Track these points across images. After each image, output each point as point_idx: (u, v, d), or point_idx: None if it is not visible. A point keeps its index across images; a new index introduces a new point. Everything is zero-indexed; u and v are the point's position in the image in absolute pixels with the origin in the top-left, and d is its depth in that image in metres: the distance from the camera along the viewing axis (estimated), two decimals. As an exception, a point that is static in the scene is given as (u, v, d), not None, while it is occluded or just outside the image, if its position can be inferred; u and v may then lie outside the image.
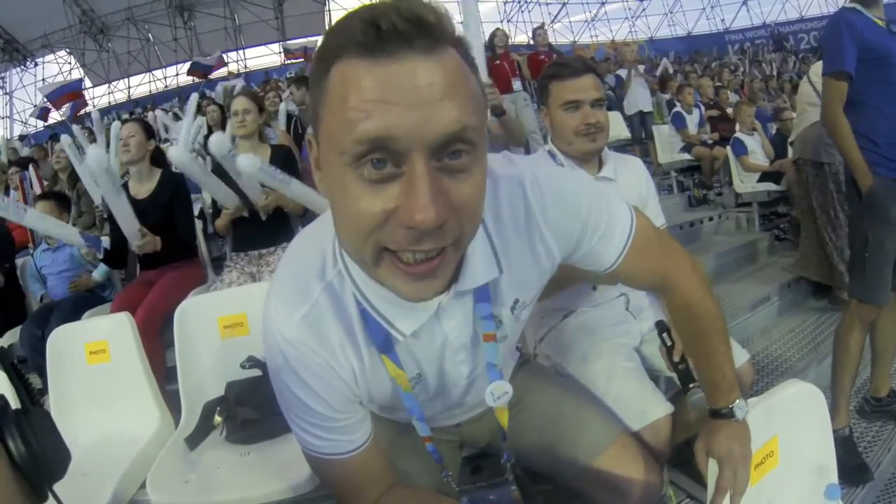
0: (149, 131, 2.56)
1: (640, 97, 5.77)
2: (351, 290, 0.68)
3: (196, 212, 3.22)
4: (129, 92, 19.19)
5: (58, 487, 0.59)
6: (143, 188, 2.51)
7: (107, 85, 18.87)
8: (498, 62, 4.66)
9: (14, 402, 0.59)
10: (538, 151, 1.54)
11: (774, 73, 10.50)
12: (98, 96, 18.57)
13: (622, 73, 6.03)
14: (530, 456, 1.05)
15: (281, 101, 4.85)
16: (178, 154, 2.28)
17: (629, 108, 5.82)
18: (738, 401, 0.90)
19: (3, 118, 18.10)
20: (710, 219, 3.99)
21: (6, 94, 18.05)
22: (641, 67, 6.07)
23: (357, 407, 0.75)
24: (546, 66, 1.52)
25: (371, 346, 0.70)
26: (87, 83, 17.51)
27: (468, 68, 0.54)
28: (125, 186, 2.59)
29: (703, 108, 5.45)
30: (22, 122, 17.81)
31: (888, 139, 1.72)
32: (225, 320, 1.69)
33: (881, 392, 1.99)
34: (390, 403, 0.79)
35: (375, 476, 0.79)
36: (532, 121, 3.98)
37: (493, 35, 4.93)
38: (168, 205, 2.47)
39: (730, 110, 5.13)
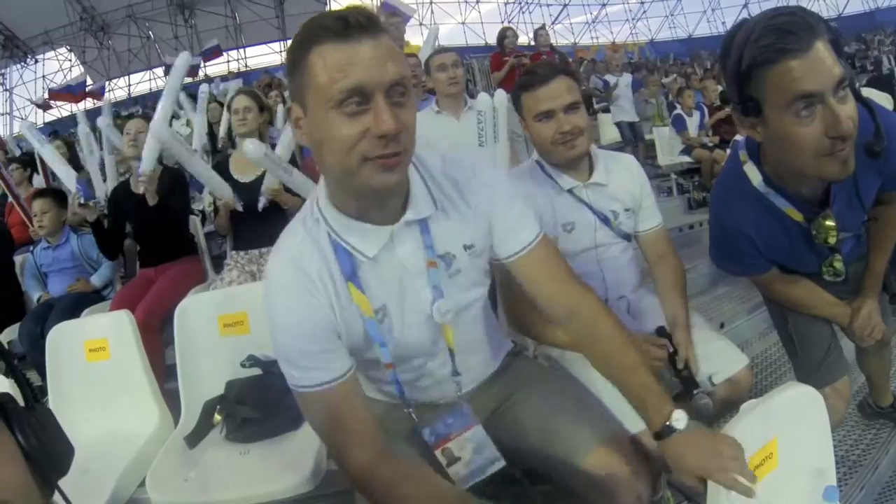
0: None
1: (625, 107, 5.81)
2: (325, 229, 0.89)
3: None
4: (129, 90, 19.18)
5: (60, 484, 0.60)
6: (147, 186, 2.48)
7: (107, 82, 18.83)
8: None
9: (17, 399, 0.59)
10: (525, 162, 1.54)
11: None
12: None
13: (611, 78, 6.03)
14: (526, 455, 1.07)
15: (284, 101, 4.83)
16: (158, 127, 2.27)
17: (615, 117, 5.88)
18: (673, 412, 0.88)
19: (3, 115, 18.08)
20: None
21: (6, 90, 18.03)
22: (629, 77, 6.05)
23: (334, 337, 0.89)
24: (518, 78, 1.46)
25: (341, 276, 0.88)
26: (88, 80, 17.49)
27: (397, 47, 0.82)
28: (126, 183, 2.61)
29: (706, 110, 5.43)
30: (22, 118, 17.78)
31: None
32: (225, 319, 1.69)
33: (883, 402, 1.98)
34: (360, 338, 0.92)
35: (360, 419, 0.88)
36: (515, 123, 3.97)
37: (503, 34, 5.07)
38: (167, 200, 2.47)
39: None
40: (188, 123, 5.13)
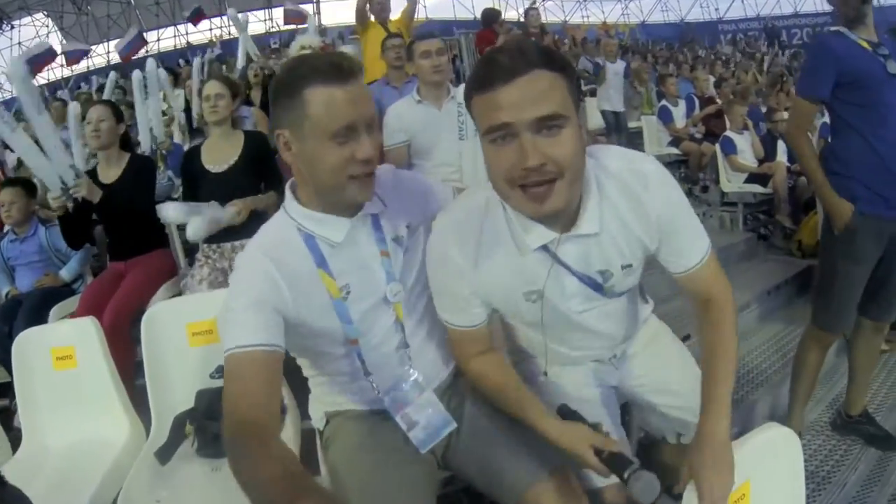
0: (118, 115, 2.45)
1: (613, 97, 5.59)
2: (295, 225, 1.05)
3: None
4: (108, 57, 18.52)
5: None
6: (111, 172, 2.41)
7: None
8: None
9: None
10: (479, 193, 1.05)
11: (766, 66, 10.46)
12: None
13: (601, 60, 5.83)
14: (468, 475, 1.14)
15: (264, 78, 4.61)
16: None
17: (601, 105, 5.66)
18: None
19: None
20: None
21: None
22: (622, 65, 5.89)
23: (278, 317, 0.98)
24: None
25: (311, 264, 1.03)
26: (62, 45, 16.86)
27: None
28: (94, 171, 2.49)
29: (696, 101, 5.38)
30: (-4, 85, 17.13)
31: (868, 167, 1.68)
32: (193, 327, 1.64)
33: (854, 410, 2.02)
34: (328, 320, 1.05)
35: (266, 388, 0.92)
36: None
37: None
38: (135, 189, 2.38)
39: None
40: (165, 98, 4.95)
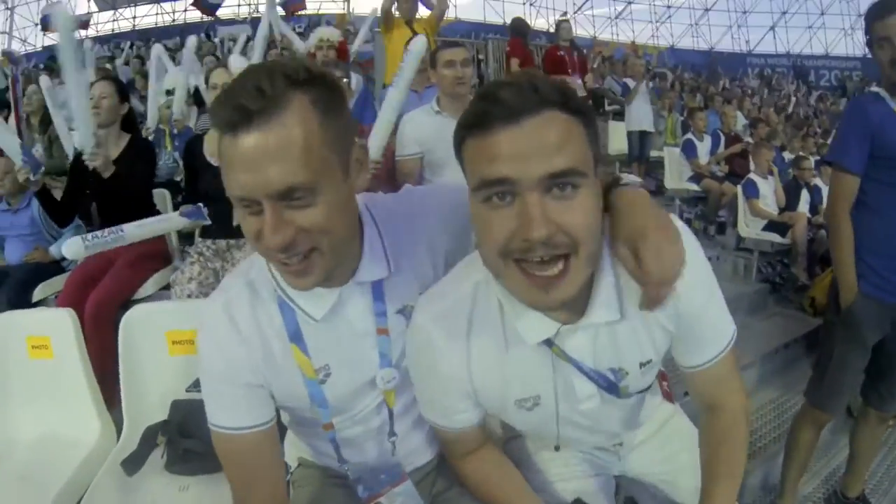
0: (123, 93, 2.36)
1: (643, 115, 5.48)
2: (272, 284, 0.84)
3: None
4: (133, 22, 18.49)
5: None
6: (110, 152, 2.31)
7: (112, 12, 18.13)
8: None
9: None
10: (468, 275, 0.85)
11: (791, 107, 10.34)
12: (102, 22, 17.87)
13: (630, 82, 5.70)
14: None
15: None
16: None
17: (630, 124, 5.49)
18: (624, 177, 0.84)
19: (2, 33, 17.36)
20: (708, 258, 3.87)
21: (7, 8, 17.27)
22: (650, 85, 5.79)
23: (256, 388, 0.86)
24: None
25: (284, 337, 0.85)
26: (93, 7, 16.82)
27: (313, 115, 0.69)
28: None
29: (722, 137, 5.26)
30: (21, 39, 17.12)
31: (879, 249, 1.60)
32: (174, 335, 1.55)
33: (851, 492, 1.96)
34: (298, 398, 0.89)
35: (268, 473, 0.87)
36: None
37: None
38: (130, 172, 2.28)
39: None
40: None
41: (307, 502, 1.04)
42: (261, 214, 0.69)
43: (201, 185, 2.24)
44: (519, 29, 5.64)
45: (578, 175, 0.66)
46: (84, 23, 12.09)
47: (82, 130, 2.11)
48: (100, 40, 14.27)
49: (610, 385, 0.84)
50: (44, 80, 3.39)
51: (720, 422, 0.88)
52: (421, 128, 2.33)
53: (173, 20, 18.19)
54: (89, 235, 1.89)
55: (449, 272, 0.88)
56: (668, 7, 21.56)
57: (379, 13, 4.10)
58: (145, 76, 6.14)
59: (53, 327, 1.64)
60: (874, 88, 1.64)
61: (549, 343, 0.79)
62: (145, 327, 1.56)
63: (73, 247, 1.86)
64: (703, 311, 0.82)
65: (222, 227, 2.21)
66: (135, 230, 1.99)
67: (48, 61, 7.91)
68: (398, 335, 0.89)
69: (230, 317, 0.84)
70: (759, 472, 2.18)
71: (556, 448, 0.98)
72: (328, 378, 0.88)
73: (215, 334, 0.85)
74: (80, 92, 2.06)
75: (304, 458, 1.11)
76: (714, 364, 0.85)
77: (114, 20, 18.33)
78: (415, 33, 3.51)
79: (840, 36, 20.52)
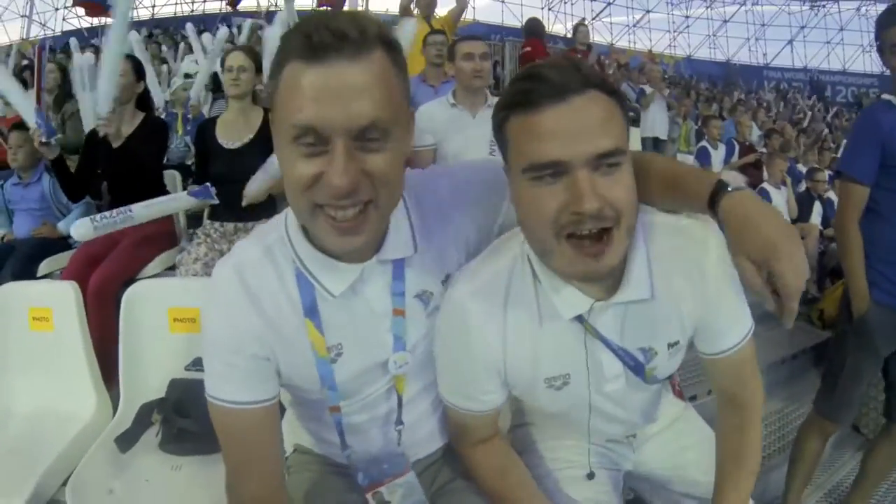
0: (139, 71, 2.37)
1: (657, 121, 5.42)
2: (290, 254, 0.78)
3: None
4: (153, 10, 18.62)
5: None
6: (123, 129, 2.32)
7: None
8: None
9: None
10: (505, 252, 0.84)
11: (806, 122, 10.23)
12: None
13: (647, 88, 5.65)
14: None
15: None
16: None
17: (644, 131, 5.42)
18: (722, 175, 0.78)
19: (23, 16, 17.53)
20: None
21: (28, -10, 17.44)
22: (667, 91, 5.73)
23: (263, 361, 0.80)
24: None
25: (299, 310, 0.79)
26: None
27: (392, 69, 0.67)
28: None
29: (737, 146, 5.19)
30: (41, 23, 17.28)
31: (893, 258, 1.57)
32: (175, 312, 1.54)
33: None
34: (306, 376, 0.83)
35: (266, 451, 0.82)
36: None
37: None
38: (140, 150, 2.29)
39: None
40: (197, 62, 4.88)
41: (304, 488, 1.00)
42: (322, 156, 0.64)
43: (212, 169, 2.24)
44: (535, 30, 5.55)
45: (621, 154, 0.69)
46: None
47: (104, 94, 2.17)
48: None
49: (637, 365, 0.84)
50: (86, 56, 3.41)
51: (740, 416, 0.89)
52: (435, 119, 2.33)
53: (192, 10, 18.31)
54: (98, 216, 1.89)
55: (486, 249, 0.86)
56: (687, 17, 21.49)
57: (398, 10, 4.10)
58: (163, 61, 6.21)
59: (56, 299, 1.65)
60: (886, 97, 1.60)
61: (580, 319, 0.80)
62: (147, 303, 1.56)
63: (81, 228, 1.86)
64: (727, 296, 0.82)
65: (230, 209, 2.21)
66: (143, 210, 1.99)
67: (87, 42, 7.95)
68: (414, 319, 0.85)
69: (241, 279, 0.78)
70: (760, 483, 2.13)
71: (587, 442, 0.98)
72: (339, 357, 0.84)
73: (223, 297, 0.79)
74: (111, 60, 2.16)
75: (300, 444, 1.08)
76: (735, 352, 0.86)
77: (134, 8, 18.45)
78: (433, 30, 3.51)
79: (858, 52, 20.39)
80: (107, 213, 1.90)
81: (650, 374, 0.85)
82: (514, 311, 0.81)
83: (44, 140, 2.16)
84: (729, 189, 0.72)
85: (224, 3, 13.45)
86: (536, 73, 0.69)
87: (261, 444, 0.82)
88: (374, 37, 0.65)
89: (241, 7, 13.58)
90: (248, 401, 0.79)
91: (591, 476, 0.98)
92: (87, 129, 3.02)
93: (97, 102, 2.24)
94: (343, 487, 0.97)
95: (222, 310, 0.79)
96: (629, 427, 1.00)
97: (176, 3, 18.71)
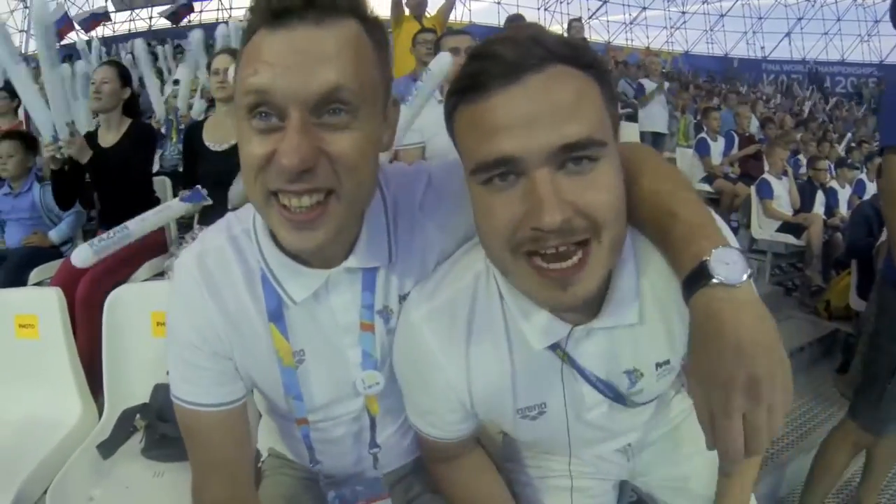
0: (124, 78, 2.36)
1: (657, 116, 5.35)
2: (256, 252, 0.72)
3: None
4: (150, 22, 18.74)
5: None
6: (110, 136, 2.33)
7: (129, 12, 18.40)
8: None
9: None
10: (468, 267, 0.73)
11: (806, 113, 10.16)
12: (119, 22, 18.17)
13: (645, 82, 5.58)
14: None
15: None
16: None
17: (643, 125, 5.33)
18: (715, 250, 0.55)
19: (21, 31, 17.69)
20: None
21: (27, 7, 17.59)
22: (666, 85, 5.65)
23: (226, 361, 0.75)
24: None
25: (263, 312, 0.73)
26: (110, 7, 17.08)
27: (367, 40, 0.59)
28: (94, 133, 2.40)
29: (736, 139, 5.15)
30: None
31: None
32: (159, 316, 1.50)
33: None
34: (271, 384, 0.78)
35: (232, 454, 0.78)
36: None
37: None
38: (130, 156, 2.29)
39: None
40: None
41: (277, 496, 0.96)
42: (278, 132, 0.56)
43: (199, 170, 2.22)
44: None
45: (597, 145, 0.54)
46: (104, 15, 12.20)
47: (56, 119, 2.15)
48: (115, 40, 14.50)
49: (617, 396, 0.73)
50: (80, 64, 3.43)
51: None
52: (423, 117, 2.27)
53: (189, 21, 18.40)
54: (96, 240, 1.85)
55: (446, 262, 0.75)
56: (683, 13, 21.49)
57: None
58: (159, 72, 6.23)
59: (41, 306, 1.62)
60: None
61: (554, 347, 0.68)
62: (131, 308, 1.53)
63: (81, 254, 1.79)
64: None
65: (220, 212, 2.17)
66: (139, 225, 1.96)
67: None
68: (381, 335, 0.77)
69: (203, 267, 0.72)
70: (769, 479, 2.08)
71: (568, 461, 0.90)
72: (301, 364, 0.77)
73: (182, 288, 0.73)
74: (52, 86, 2.11)
75: (274, 449, 1.04)
76: None
77: (130, 20, 18.60)
78: (423, 28, 3.48)
79: (856, 42, 20.32)
80: (104, 236, 1.87)
81: (635, 397, 0.74)
82: (478, 338, 0.69)
83: (58, 156, 2.18)
84: (713, 280, 0.54)
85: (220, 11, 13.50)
86: (487, 51, 0.56)
87: (224, 447, 0.77)
88: (346, 5, 0.57)
89: (238, 15, 13.67)
90: (211, 403, 0.75)
91: (576, 488, 0.92)
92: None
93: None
94: (317, 500, 0.94)
95: (181, 302, 0.73)
96: (620, 443, 0.90)
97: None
